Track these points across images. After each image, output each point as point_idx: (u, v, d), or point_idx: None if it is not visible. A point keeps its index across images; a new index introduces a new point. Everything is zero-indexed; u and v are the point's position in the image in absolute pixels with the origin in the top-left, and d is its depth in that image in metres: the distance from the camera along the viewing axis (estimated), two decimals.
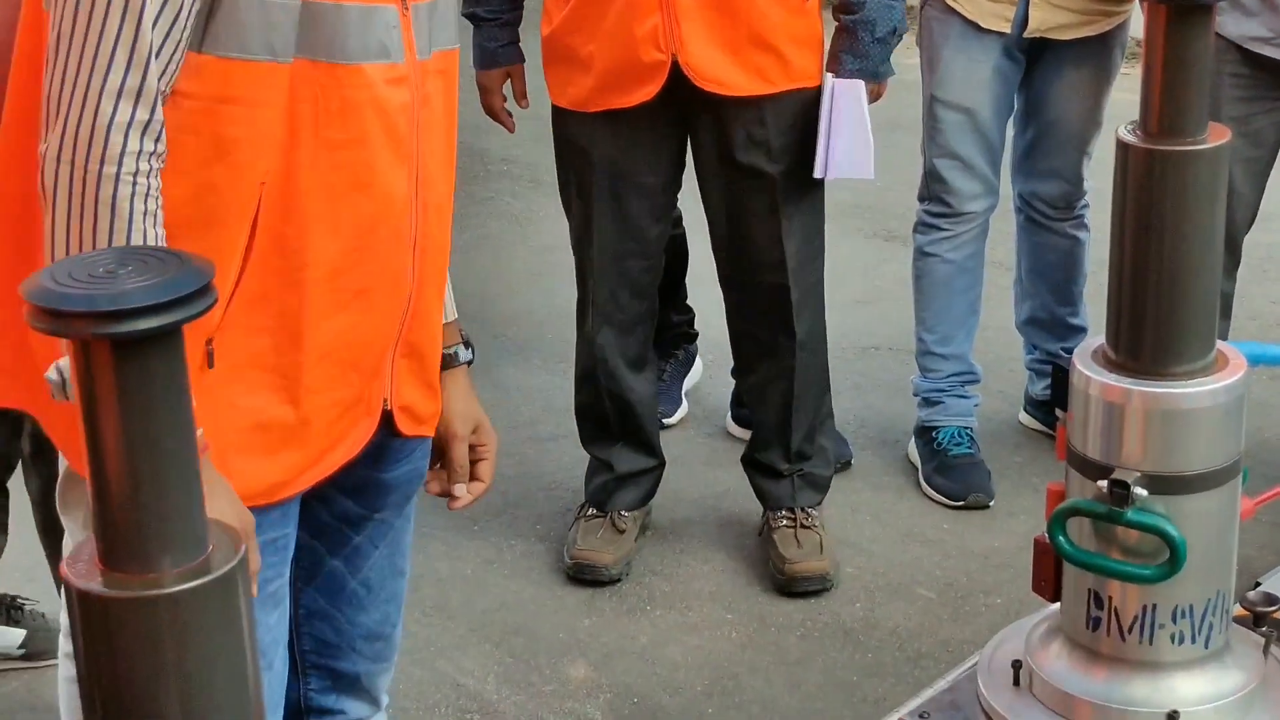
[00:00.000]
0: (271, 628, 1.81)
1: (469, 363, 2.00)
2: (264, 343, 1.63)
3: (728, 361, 3.45)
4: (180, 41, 1.47)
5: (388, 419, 1.80)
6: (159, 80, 1.46)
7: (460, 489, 1.94)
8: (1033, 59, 3.31)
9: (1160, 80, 1.64)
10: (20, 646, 2.92)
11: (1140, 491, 1.65)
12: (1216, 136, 1.65)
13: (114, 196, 1.45)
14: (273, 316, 1.63)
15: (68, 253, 1.46)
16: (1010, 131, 3.51)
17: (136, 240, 1.45)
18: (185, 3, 1.47)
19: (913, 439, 3.55)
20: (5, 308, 1.61)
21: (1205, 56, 1.67)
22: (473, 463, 1.96)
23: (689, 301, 3.84)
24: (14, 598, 2.96)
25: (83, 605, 0.91)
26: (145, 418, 0.87)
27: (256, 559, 1.50)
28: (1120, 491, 1.65)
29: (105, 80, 1.44)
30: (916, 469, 3.51)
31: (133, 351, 0.84)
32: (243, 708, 0.96)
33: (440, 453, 1.94)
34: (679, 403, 3.75)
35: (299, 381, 1.64)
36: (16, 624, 2.94)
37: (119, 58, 1.43)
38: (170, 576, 0.88)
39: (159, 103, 1.48)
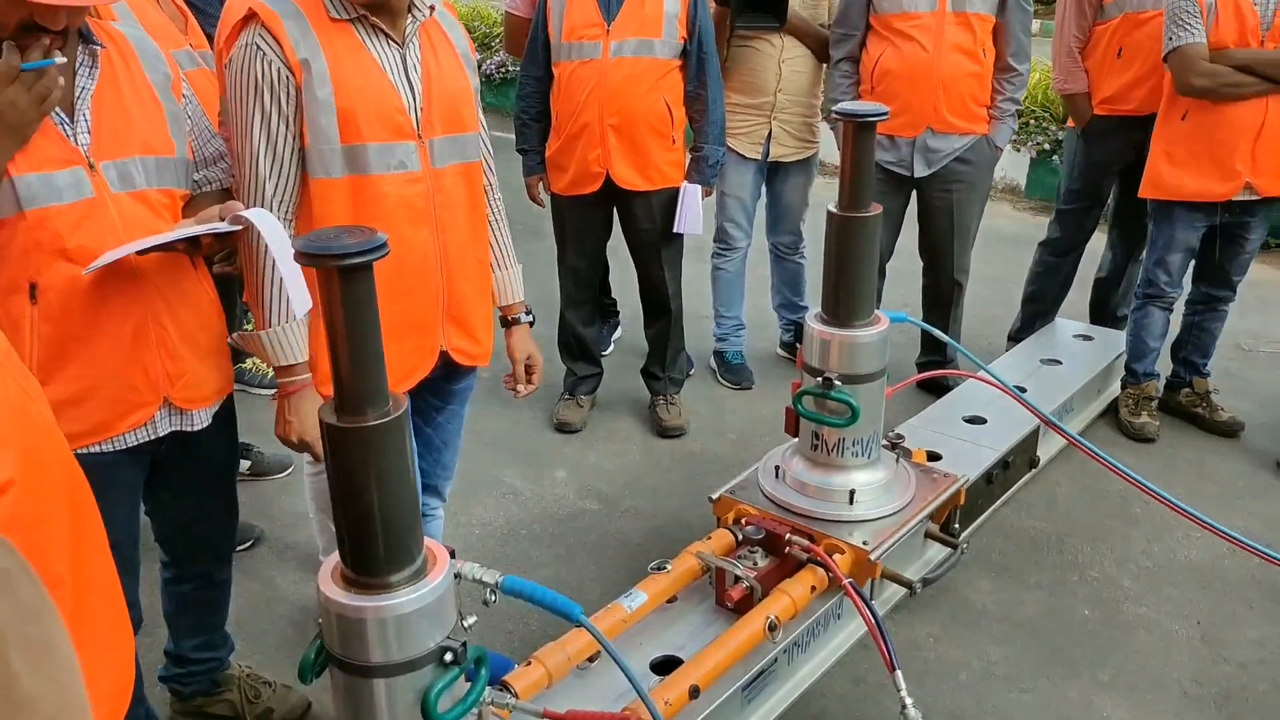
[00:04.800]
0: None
1: (530, 323, 2.44)
2: None
3: (636, 323, 4.38)
4: (290, 176, 1.93)
5: (446, 356, 2.15)
6: (286, 195, 1.92)
7: (521, 387, 2.41)
8: (772, 171, 4.32)
9: (850, 174, 2.17)
10: (249, 469, 3.71)
11: (838, 382, 2.24)
12: (875, 209, 2.30)
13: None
14: None
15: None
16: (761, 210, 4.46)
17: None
18: (289, 165, 1.93)
19: (711, 357, 4.64)
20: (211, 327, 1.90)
21: (871, 159, 2.13)
22: (527, 372, 2.42)
23: (613, 294, 4.86)
24: (246, 445, 3.65)
25: (328, 431, 1.19)
26: (353, 308, 1.11)
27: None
28: (828, 381, 2.25)
29: (260, 197, 1.90)
30: (715, 371, 4.60)
31: (350, 275, 1.12)
32: (408, 488, 1.24)
33: (513, 368, 2.35)
34: (609, 343, 4.84)
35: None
36: (245, 458, 3.68)
37: (266, 193, 1.90)
38: (372, 418, 1.17)
39: (289, 203, 1.91)
